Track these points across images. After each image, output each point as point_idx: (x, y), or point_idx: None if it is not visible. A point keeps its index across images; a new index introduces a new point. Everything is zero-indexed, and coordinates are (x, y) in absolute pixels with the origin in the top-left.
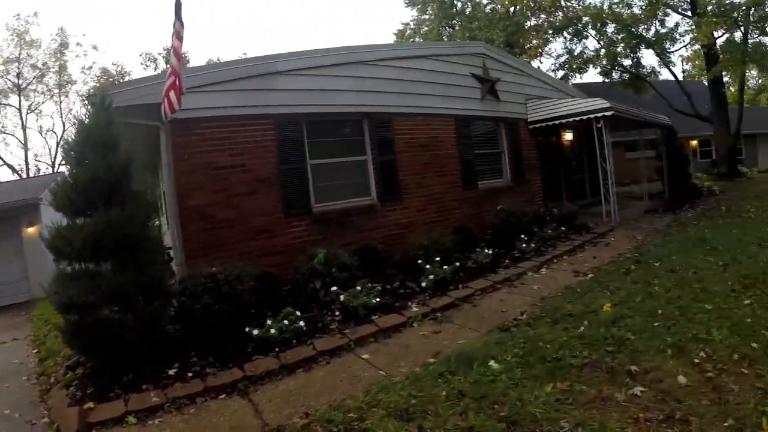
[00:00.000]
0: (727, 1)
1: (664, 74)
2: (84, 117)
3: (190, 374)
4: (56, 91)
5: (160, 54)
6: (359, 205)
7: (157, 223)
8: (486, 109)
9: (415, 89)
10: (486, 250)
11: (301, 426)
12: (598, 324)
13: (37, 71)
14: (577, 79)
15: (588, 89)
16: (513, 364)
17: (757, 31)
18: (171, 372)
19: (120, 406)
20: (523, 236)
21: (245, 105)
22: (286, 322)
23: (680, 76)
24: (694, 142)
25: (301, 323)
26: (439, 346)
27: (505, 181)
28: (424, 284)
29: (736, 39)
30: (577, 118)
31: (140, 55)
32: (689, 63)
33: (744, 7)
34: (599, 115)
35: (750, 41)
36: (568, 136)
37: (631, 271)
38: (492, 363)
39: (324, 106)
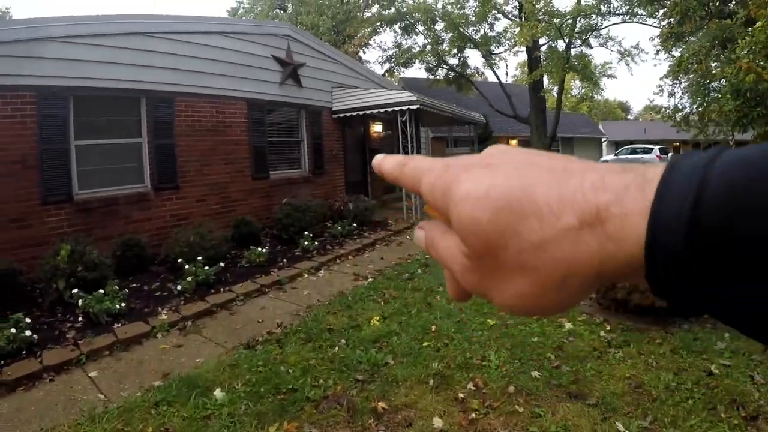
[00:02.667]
0: (552, 8)
1: (492, 77)
2: None
3: None
4: None
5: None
6: (130, 192)
7: None
8: (285, 95)
9: (203, 68)
10: (262, 249)
11: None
12: (358, 343)
13: None
14: (404, 73)
15: (415, 84)
16: (241, 395)
17: (579, 42)
18: None
19: None
20: (307, 233)
21: (4, 74)
22: (13, 330)
23: (507, 80)
24: (514, 141)
25: (28, 332)
26: (173, 364)
27: (302, 171)
28: (179, 287)
29: (558, 48)
30: (383, 110)
31: None
32: (518, 68)
33: (568, 17)
34: (404, 107)
35: (573, 51)
36: (378, 127)
37: (415, 276)
38: (217, 392)
39: (97, 80)
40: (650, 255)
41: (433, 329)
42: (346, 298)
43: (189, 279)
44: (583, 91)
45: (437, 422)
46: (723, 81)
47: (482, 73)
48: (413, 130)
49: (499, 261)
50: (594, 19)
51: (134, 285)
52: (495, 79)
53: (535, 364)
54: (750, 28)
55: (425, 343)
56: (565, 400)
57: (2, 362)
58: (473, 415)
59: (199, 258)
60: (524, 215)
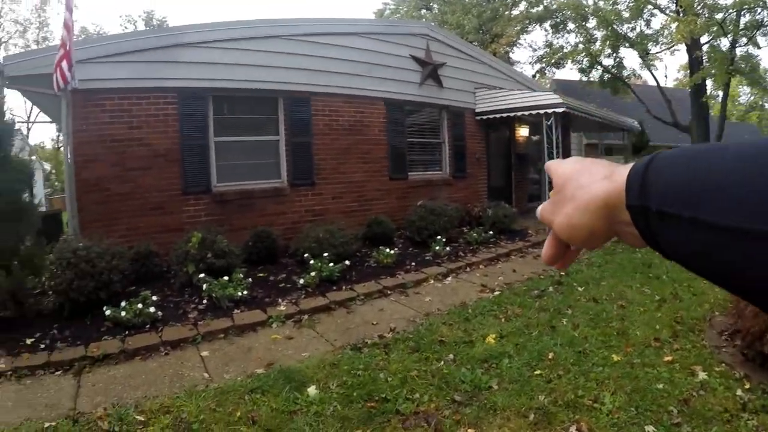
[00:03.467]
0: (713, 1)
1: (651, 80)
2: None
3: (42, 346)
4: (35, 47)
5: (139, 17)
6: (266, 187)
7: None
8: (425, 95)
9: (340, 68)
10: (391, 250)
11: (96, 417)
12: (466, 360)
13: (20, 26)
14: (555, 74)
15: (568, 87)
16: (333, 396)
17: (745, 39)
18: (28, 341)
19: None
20: (440, 237)
21: (148, 77)
22: (140, 306)
23: (667, 83)
24: None
25: (152, 309)
26: (279, 354)
27: (442, 174)
28: (302, 281)
29: (721, 47)
30: (527, 112)
31: (120, 17)
32: (680, 70)
33: (730, 9)
34: (549, 111)
35: (738, 50)
36: (524, 131)
37: (545, 294)
38: (311, 389)
39: (235, 82)
40: (627, 187)
41: (550, 356)
42: (467, 310)
43: (313, 274)
44: (752, 98)
45: None
46: None
47: (639, 75)
48: (559, 135)
49: (564, 194)
50: (759, 14)
51: (261, 275)
52: (654, 82)
53: (653, 417)
54: None
55: (537, 372)
56: None
57: (126, 332)
58: None
59: (326, 254)
60: (582, 173)
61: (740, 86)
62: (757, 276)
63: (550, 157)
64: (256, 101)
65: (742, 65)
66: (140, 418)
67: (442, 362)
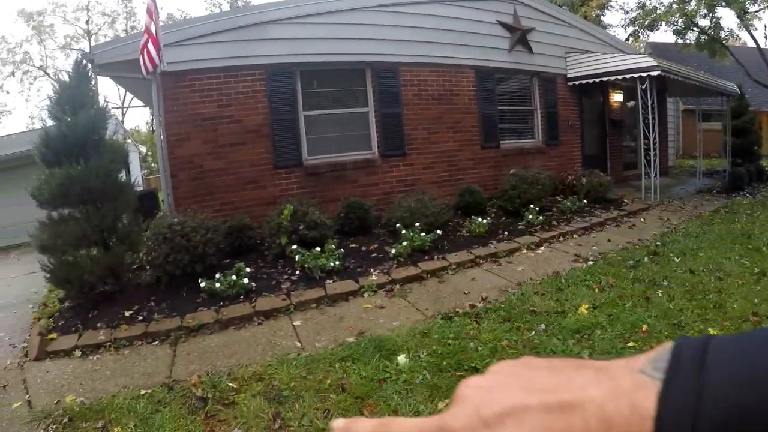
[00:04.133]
0: None
1: (751, 41)
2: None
3: (140, 318)
4: (124, 35)
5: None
6: (357, 159)
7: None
8: (515, 61)
9: (427, 37)
10: (483, 219)
11: (191, 385)
12: (558, 330)
13: (108, 18)
14: (649, 37)
15: (664, 50)
16: (422, 365)
17: None
18: (127, 314)
19: (73, 340)
20: (532, 206)
21: (235, 56)
22: (234, 277)
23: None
24: None
25: (246, 280)
26: (371, 323)
27: (535, 142)
28: (394, 251)
29: None
30: (619, 77)
31: (204, 1)
32: None
33: None
34: (644, 74)
35: None
36: (618, 97)
37: (640, 264)
38: (401, 357)
39: (321, 56)
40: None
41: (644, 329)
42: (560, 279)
43: (404, 244)
44: None
45: None
46: None
47: (737, 36)
48: (654, 100)
49: None
50: None
51: (353, 245)
52: (753, 43)
53: None
54: None
55: (630, 344)
56: None
57: (221, 303)
58: None
59: (417, 224)
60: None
61: None
62: None
63: (645, 124)
64: (344, 74)
65: None
66: (233, 385)
67: (533, 332)
